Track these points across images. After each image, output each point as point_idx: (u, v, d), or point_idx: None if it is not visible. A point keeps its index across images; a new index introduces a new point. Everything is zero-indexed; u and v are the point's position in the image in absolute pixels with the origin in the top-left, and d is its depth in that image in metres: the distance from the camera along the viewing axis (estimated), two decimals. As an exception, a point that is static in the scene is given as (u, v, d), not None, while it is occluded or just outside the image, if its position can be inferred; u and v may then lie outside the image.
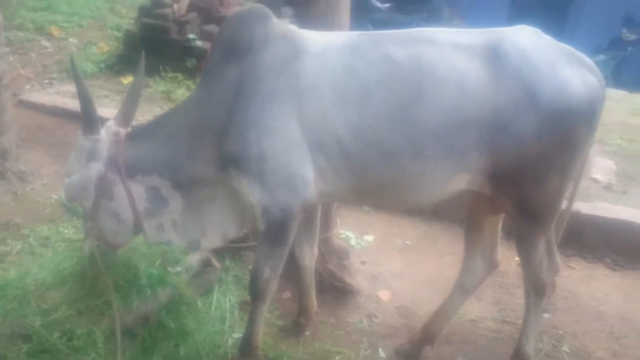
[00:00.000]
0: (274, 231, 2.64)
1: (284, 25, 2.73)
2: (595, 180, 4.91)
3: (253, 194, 2.59)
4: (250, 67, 2.59)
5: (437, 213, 4.45)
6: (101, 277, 2.84)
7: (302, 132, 2.52)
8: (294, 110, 2.51)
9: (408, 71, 2.48)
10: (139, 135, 2.78)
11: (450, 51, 2.50)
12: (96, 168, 2.68)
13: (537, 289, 2.88)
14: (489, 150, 2.49)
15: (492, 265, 3.10)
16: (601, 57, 9.47)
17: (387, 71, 2.50)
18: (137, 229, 2.80)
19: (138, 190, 2.73)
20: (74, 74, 2.71)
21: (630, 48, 9.61)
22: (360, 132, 2.50)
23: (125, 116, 2.79)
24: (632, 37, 9.59)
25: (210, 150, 2.65)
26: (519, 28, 2.59)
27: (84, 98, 2.62)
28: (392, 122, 2.48)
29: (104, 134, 2.71)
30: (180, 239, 2.86)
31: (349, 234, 4.27)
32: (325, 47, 2.60)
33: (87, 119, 2.66)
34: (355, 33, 2.75)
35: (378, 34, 2.68)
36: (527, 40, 2.52)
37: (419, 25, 2.77)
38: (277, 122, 2.52)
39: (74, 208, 3.79)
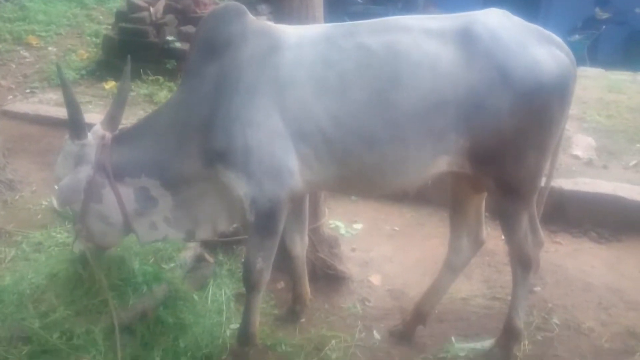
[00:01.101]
0: (264, 222, 2.69)
1: (260, 21, 2.79)
2: (576, 157, 5.02)
3: (240, 186, 2.64)
4: (229, 63, 2.63)
5: (423, 198, 4.52)
6: (95, 277, 2.87)
7: (284, 123, 2.57)
8: (275, 102, 2.57)
9: (382, 58, 2.54)
10: (125, 137, 2.83)
11: (422, 37, 2.56)
12: (85, 172, 2.72)
13: (523, 263, 2.93)
14: (467, 130, 2.56)
15: (478, 244, 3.17)
16: (576, 36, 9.61)
17: (363, 59, 2.56)
18: (127, 230, 2.85)
19: (127, 192, 2.77)
20: (61, 81, 2.75)
21: (604, 27, 9.72)
22: (340, 120, 2.56)
23: (112, 120, 2.84)
24: (605, 15, 9.72)
25: (196, 147, 2.70)
26: (488, 11, 2.66)
27: (71, 104, 2.67)
28: (370, 108, 2.54)
29: (91, 139, 2.75)
30: (175, 232, 2.91)
31: (338, 223, 4.34)
32: (301, 39, 2.66)
33: (74, 124, 2.71)
34: (330, 25, 2.81)
35: (352, 24, 2.73)
36: (497, 21, 2.59)
37: (395, 15, 2.83)
38: (259, 115, 2.57)
39: (65, 213, 3.81)
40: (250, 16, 2.75)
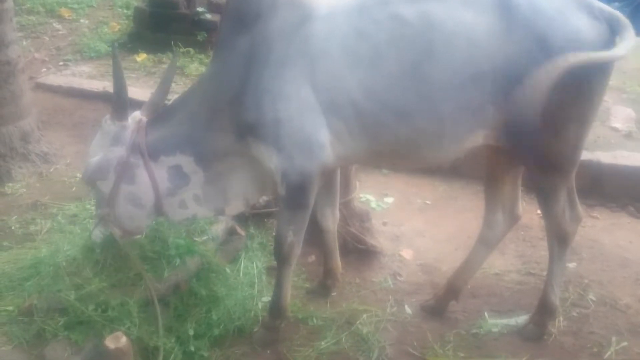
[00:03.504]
0: (294, 195, 2.68)
1: None
2: (614, 129, 4.90)
3: (271, 159, 2.63)
4: (260, 35, 2.60)
5: (456, 171, 4.45)
6: (128, 255, 2.89)
7: (315, 96, 2.53)
8: (306, 74, 2.53)
9: (417, 29, 2.48)
10: (160, 117, 2.84)
11: (458, 6, 2.49)
12: (119, 152, 2.73)
13: (560, 239, 2.88)
14: (505, 103, 2.49)
15: (513, 218, 3.11)
16: (616, 4, 9.26)
17: (397, 30, 2.50)
18: (158, 211, 2.84)
19: (160, 171, 2.77)
20: (114, 62, 2.74)
21: (646, -7, 9.38)
22: (373, 93, 2.51)
23: (152, 106, 2.86)
24: (647, -19, 9.35)
25: (228, 120, 2.69)
26: None
27: (119, 85, 2.68)
28: (404, 81, 2.49)
29: (130, 122, 2.77)
30: (205, 210, 2.91)
31: (369, 196, 4.31)
32: (333, 10, 2.60)
33: (118, 105, 2.73)
34: None
35: None
36: None
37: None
38: (290, 87, 2.54)
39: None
40: None
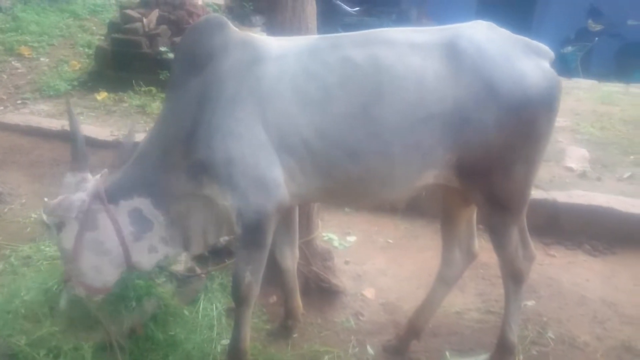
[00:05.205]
0: (251, 234, 2.66)
1: (242, 33, 2.78)
2: (569, 169, 5.01)
3: (226, 199, 2.62)
4: (211, 75, 2.62)
5: (417, 210, 4.49)
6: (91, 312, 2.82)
7: (267, 135, 2.55)
8: (257, 113, 2.55)
9: (366, 72, 2.53)
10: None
11: (407, 51, 2.54)
12: (80, 197, 2.69)
13: (514, 278, 2.90)
14: (454, 145, 2.53)
15: (470, 256, 3.14)
16: (569, 48, 9.67)
17: (346, 73, 2.54)
18: (127, 260, 2.77)
19: (121, 216, 2.74)
20: (70, 117, 2.73)
21: (596, 38, 9.78)
22: (324, 133, 2.54)
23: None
24: (598, 27, 9.77)
25: (181, 160, 2.67)
26: (474, 23, 2.64)
27: (77, 138, 2.68)
28: (353, 122, 2.52)
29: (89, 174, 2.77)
30: (173, 250, 2.89)
31: (332, 235, 4.31)
32: (284, 51, 2.64)
33: (78, 158, 2.72)
34: (314, 37, 2.81)
35: (337, 37, 2.72)
36: (482, 34, 2.57)
37: (388, 27, 2.81)
38: (241, 126, 2.55)
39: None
40: (232, 28, 2.74)
